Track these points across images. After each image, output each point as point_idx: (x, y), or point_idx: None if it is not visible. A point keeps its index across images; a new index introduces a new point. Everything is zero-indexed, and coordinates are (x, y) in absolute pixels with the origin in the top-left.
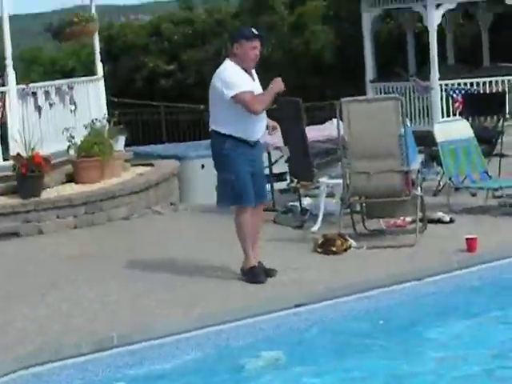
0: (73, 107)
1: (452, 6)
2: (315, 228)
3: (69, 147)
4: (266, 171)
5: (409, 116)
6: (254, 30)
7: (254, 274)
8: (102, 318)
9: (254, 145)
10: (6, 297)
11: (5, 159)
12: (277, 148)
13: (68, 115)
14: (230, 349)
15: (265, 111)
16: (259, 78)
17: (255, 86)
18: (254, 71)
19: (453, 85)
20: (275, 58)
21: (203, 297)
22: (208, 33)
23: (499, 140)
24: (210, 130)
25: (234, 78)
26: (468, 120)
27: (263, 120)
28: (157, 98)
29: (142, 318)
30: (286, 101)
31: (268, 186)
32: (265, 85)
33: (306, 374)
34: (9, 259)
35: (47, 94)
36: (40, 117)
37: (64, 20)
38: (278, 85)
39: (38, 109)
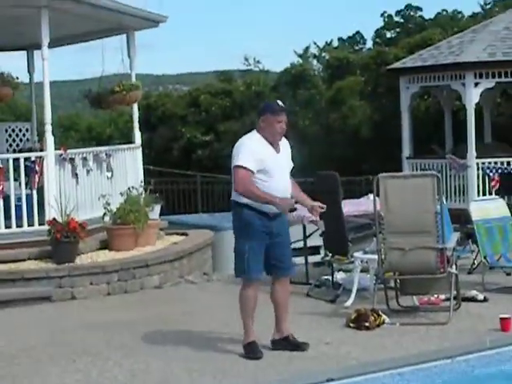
0: (110, 174)
1: (491, 85)
2: (348, 303)
3: (104, 214)
4: (300, 244)
5: (444, 194)
6: (280, 103)
7: (251, 350)
8: None
9: (273, 217)
10: (37, 361)
11: (40, 224)
12: (312, 221)
13: (104, 182)
14: None
15: (288, 183)
16: (295, 149)
17: (275, 159)
18: (283, 142)
19: (489, 163)
20: (312, 132)
21: (233, 369)
22: (246, 104)
23: None
24: (231, 199)
25: (245, 150)
26: (504, 199)
27: (284, 191)
28: (193, 168)
29: None
30: (323, 174)
31: (302, 259)
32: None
33: None
34: (40, 324)
35: (85, 160)
36: (77, 183)
37: (105, 88)
38: (283, 204)
39: (75, 175)
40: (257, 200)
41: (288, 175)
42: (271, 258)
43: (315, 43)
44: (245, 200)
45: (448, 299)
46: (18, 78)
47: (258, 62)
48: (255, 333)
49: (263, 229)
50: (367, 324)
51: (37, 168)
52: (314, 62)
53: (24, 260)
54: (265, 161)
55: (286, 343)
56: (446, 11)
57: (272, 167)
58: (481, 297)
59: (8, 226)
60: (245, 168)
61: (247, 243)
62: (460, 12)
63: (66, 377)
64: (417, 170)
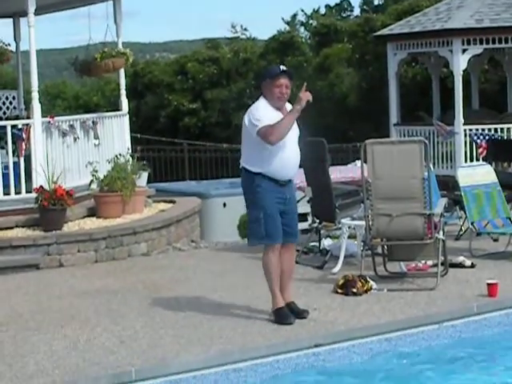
0: (97, 142)
1: (478, 51)
2: (336, 269)
3: (91, 181)
4: None
5: (432, 160)
6: (281, 67)
7: (281, 316)
8: (121, 353)
9: (284, 184)
10: (25, 328)
11: (28, 191)
12: (299, 188)
13: (91, 149)
14: None
15: (297, 149)
16: None
17: None
18: (288, 107)
19: (477, 130)
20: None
21: (222, 334)
22: (233, 72)
23: None
24: (240, 167)
25: (260, 115)
26: (491, 165)
27: (295, 158)
28: (180, 136)
29: (161, 354)
30: (310, 141)
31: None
32: None
33: None
34: (28, 291)
35: (72, 127)
36: (64, 150)
37: (89, 55)
38: (299, 103)
39: (62, 142)
40: (290, 125)
41: (296, 143)
42: (282, 224)
43: (303, 10)
44: (258, 169)
45: (435, 265)
46: (9, 44)
47: (245, 29)
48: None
49: (277, 195)
50: (355, 290)
51: (24, 135)
52: (302, 29)
53: (11, 228)
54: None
55: (289, 311)
56: None
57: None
58: (468, 263)
59: None
60: (263, 126)
61: (261, 209)
62: None
63: (54, 344)
64: (404, 136)
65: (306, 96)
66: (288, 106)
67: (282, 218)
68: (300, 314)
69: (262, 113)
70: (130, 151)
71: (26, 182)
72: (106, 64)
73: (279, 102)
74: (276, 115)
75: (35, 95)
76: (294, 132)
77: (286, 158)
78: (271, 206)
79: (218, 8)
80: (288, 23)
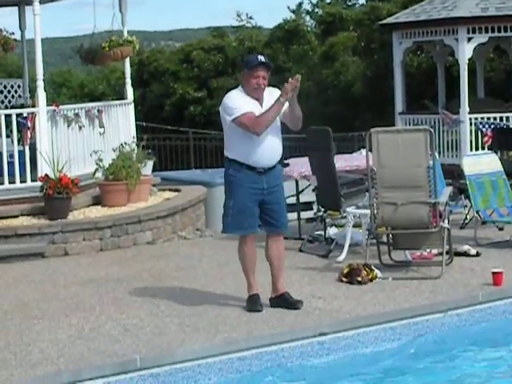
0: (102, 130)
1: (484, 40)
2: (341, 258)
3: (96, 170)
4: (293, 200)
5: (437, 149)
6: (261, 58)
7: (250, 302)
8: (126, 341)
9: (263, 172)
10: (30, 316)
11: (33, 180)
12: (304, 177)
13: (97, 138)
14: (252, 375)
15: (278, 138)
16: None
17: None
18: (271, 95)
19: (482, 119)
20: (305, 88)
21: (227, 323)
22: (238, 61)
23: None
24: None
25: (234, 103)
26: (497, 154)
27: (274, 147)
28: (185, 124)
29: (166, 342)
30: (315, 130)
31: (295, 215)
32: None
33: None
34: (33, 280)
35: (77, 116)
36: (69, 139)
37: (96, 43)
38: (285, 95)
39: (67, 131)
40: (274, 118)
41: (277, 131)
42: (263, 213)
43: None
44: (233, 155)
45: (440, 254)
46: (13, 33)
47: (251, 17)
48: (257, 286)
49: (251, 184)
50: (359, 279)
51: (29, 124)
52: (307, 17)
53: (17, 216)
54: (247, 108)
55: (281, 301)
56: None
57: None
58: (473, 251)
59: (0, 183)
60: (244, 114)
61: (232, 199)
62: None
63: (59, 332)
64: (409, 125)
65: (291, 85)
66: (274, 92)
67: (263, 206)
68: (293, 305)
69: (239, 101)
70: (136, 140)
71: (31, 170)
72: (115, 53)
73: (256, 93)
74: (252, 103)
75: (40, 84)
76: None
77: (264, 146)
78: (243, 197)
79: None
80: (293, 12)
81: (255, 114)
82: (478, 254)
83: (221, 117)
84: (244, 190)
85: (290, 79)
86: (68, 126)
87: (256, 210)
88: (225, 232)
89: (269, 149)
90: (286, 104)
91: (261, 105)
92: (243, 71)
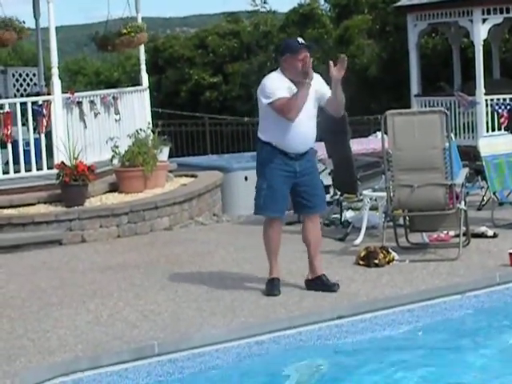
0: (117, 117)
1: (498, 20)
2: (358, 241)
3: (113, 157)
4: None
5: (453, 131)
6: (300, 40)
7: (267, 286)
8: (143, 327)
9: (295, 157)
10: (47, 303)
11: (49, 167)
12: (320, 160)
13: (112, 125)
14: (270, 359)
15: (312, 124)
16: None
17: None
18: (314, 78)
19: (498, 100)
20: (320, 71)
21: (245, 307)
22: (253, 45)
23: None
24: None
25: (271, 86)
26: None
27: (308, 133)
28: (201, 110)
29: (184, 327)
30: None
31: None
32: None
33: None
34: (51, 267)
35: (92, 103)
36: (85, 126)
37: (111, 31)
38: (305, 83)
39: (83, 118)
40: (304, 100)
41: (312, 118)
42: (297, 196)
43: None
44: (266, 138)
45: (457, 235)
46: (24, 22)
47: (265, 2)
48: (278, 270)
49: (284, 167)
50: (377, 261)
51: (44, 112)
52: (322, 1)
53: (34, 204)
54: (284, 93)
55: (318, 283)
56: None
57: None
58: (490, 233)
59: (17, 171)
60: (279, 98)
61: (266, 181)
62: None
63: (77, 319)
64: (425, 107)
65: (340, 66)
66: (318, 77)
67: (297, 190)
68: (330, 287)
69: (277, 85)
70: (151, 126)
71: (47, 158)
72: (134, 38)
73: (304, 76)
74: (288, 86)
75: (55, 71)
76: (309, 107)
77: (297, 132)
78: (275, 180)
79: None
80: None
81: (285, 99)
82: (495, 236)
83: (258, 98)
84: (276, 173)
85: (337, 60)
86: (83, 113)
87: (287, 193)
88: (256, 213)
89: (302, 134)
90: (329, 90)
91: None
92: (284, 57)
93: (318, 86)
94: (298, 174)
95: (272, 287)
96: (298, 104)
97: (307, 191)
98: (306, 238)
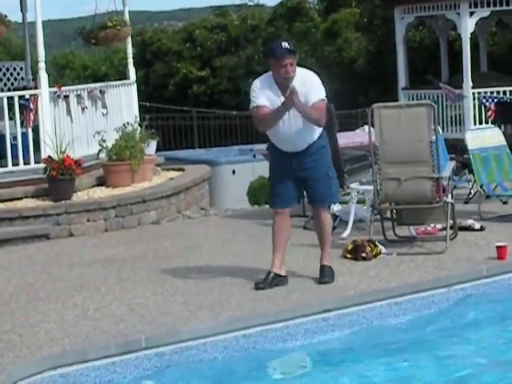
0: (104, 111)
1: (486, 14)
2: (345, 234)
3: (100, 151)
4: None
5: (441, 124)
6: (285, 46)
7: (264, 279)
8: (131, 321)
9: (292, 155)
10: (35, 298)
11: (36, 162)
12: None
13: (100, 119)
14: (257, 353)
15: (304, 127)
16: None
17: (279, 102)
18: (298, 80)
19: (485, 93)
20: (308, 65)
21: (232, 300)
22: (241, 39)
23: None
24: None
25: (254, 91)
26: (500, 128)
27: (298, 136)
28: (189, 104)
29: (171, 321)
30: None
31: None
32: None
33: (332, 379)
34: (38, 261)
35: (79, 97)
36: (72, 120)
37: (96, 24)
38: (290, 100)
39: (70, 112)
40: (277, 118)
41: (299, 120)
42: (304, 189)
43: None
44: (270, 137)
45: (444, 229)
46: (6, 16)
47: None
48: (278, 265)
49: (282, 162)
50: (364, 255)
51: (31, 106)
52: None
53: (21, 198)
54: (269, 102)
55: (319, 272)
56: None
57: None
58: (477, 226)
59: (4, 165)
60: (257, 106)
61: (271, 178)
62: None
63: (65, 313)
64: (413, 100)
65: (290, 99)
66: (306, 76)
67: (303, 183)
68: (320, 279)
69: (261, 90)
70: (138, 120)
71: (34, 152)
72: (120, 31)
73: (284, 81)
74: (273, 93)
75: (42, 65)
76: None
77: (286, 135)
78: (276, 173)
79: None
80: None
81: (268, 109)
82: (482, 229)
83: None
84: (275, 167)
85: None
86: (70, 107)
87: (290, 186)
88: (270, 207)
89: (291, 137)
90: (313, 98)
91: (283, 93)
92: (269, 60)
93: (305, 92)
94: (296, 168)
95: (263, 280)
96: (270, 120)
97: (310, 185)
98: (315, 228)
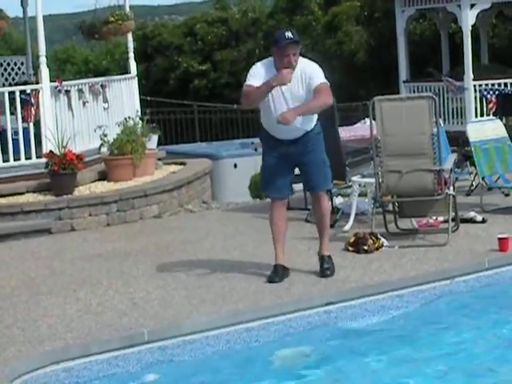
0: (106, 105)
1: (486, 6)
2: (347, 227)
3: (101, 145)
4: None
5: (442, 116)
6: (289, 35)
7: (270, 273)
8: (133, 315)
9: (287, 143)
10: (37, 293)
11: (38, 156)
12: None
13: (101, 113)
14: (259, 346)
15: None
16: None
17: (278, 89)
18: (300, 73)
19: (486, 85)
20: (308, 58)
21: (234, 294)
22: (242, 33)
23: None
24: None
25: (251, 72)
26: (502, 120)
27: (293, 126)
28: (190, 98)
29: (173, 315)
30: None
31: (300, 185)
32: None
33: (334, 371)
34: (40, 256)
35: (80, 91)
36: (73, 115)
37: (98, 19)
38: (279, 79)
39: (71, 106)
40: (259, 96)
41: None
42: (302, 175)
43: None
44: (263, 124)
45: (446, 221)
46: (1, 10)
47: None
48: (282, 256)
49: (277, 149)
50: (366, 247)
51: (32, 101)
52: None
53: (23, 193)
54: (256, 81)
55: (319, 263)
56: None
57: (274, 98)
58: (479, 218)
59: (6, 160)
60: (248, 85)
61: (263, 162)
62: None
63: (67, 307)
64: (414, 93)
65: (279, 79)
66: (308, 67)
67: (300, 169)
68: (321, 271)
69: (257, 71)
70: (140, 114)
71: (35, 147)
72: (122, 26)
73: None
74: (267, 73)
75: (43, 60)
76: (291, 96)
77: (275, 121)
78: (269, 160)
79: None
80: None
81: (253, 87)
82: (484, 221)
83: None
84: (270, 153)
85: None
86: (71, 101)
87: (285, 174)
88: (261, 191)
89: (290, 126)
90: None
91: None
92: (273, 49)
93: (307, 77)
94: (292, 154)
95: (272, 274)
96: (254, 95)
97: (307, 171)
98: (315, 214)
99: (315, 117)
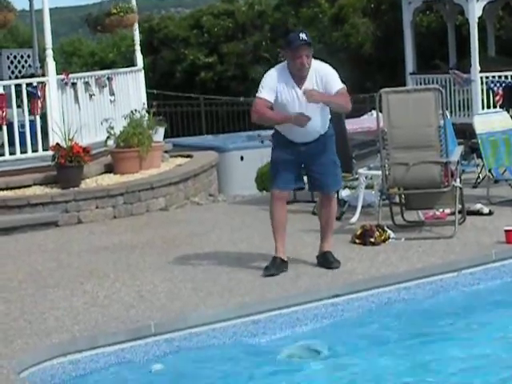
0: (112, 98)
1: None
2: (354, 219)
3: (108, 138)
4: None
5: (449, 109)
6: (302, 37)
7: (269, 264)
8: (140, 307)
9: (300, 144)
10: (44, 285)
11: (44, 149)
12: None
13: (107, 106)
14: (267, 338)
15: (317, 119)
16: None
17: (293, 92)
18: (315, 75)
19: (493, 77)
20: (315, 50)
21: (241, 286)
22: (248, 25)
23: None
24: None
25: (264, 82)
26: (508, 112)
27: (309, 128)
28: (196, 91)
29: (180, 307)
30: None
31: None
32: None
33: (342, 364)
34: (47, 249)
35: (87, 84)
36: (79, 107)
37: (102, 11)
38: (297, 120)
39: (78, 99)
40: (271, 122)
41: (315, 112)
42: (308, 174)
43: None
44: (278, 128)
45: (453, 213)
46: (8, 2)
47: None
48: (282, 249)
49: (291, 149)
50: (372, 240)
51: (39, 93)
52: None
53: (29, 186)
54: (281, 93)
55: (323, 259)
56: None
57: (289, 101)
58: (486, 210)
59: (12, 153)
60: (260, 98)
61: (272, 159)
62: None
63: (74, 300)
64: (421, 85)
65: (297, 120)
66: (323, 70)
67: (307, 170)
68: (329, 264)
69: (271, 82)
70: (146, 106)
71: (42, 139)
72: (124, 18)
73: (298, 73)
74: (287, 83)
75: (49, 53)
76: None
77: (297, 128)
78: (278, 156)
79: None
80: None
81: (268, 103)
82: (490, 213)
83: None
84: (281, 150)
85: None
86: (78, 94)
87: (292, 169)
88: (270, 189)
89: (305, 130)
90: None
91: (297, 84)
92: (285, 50)
93: (325, 83)
94: (302, 153)
95: (270, 266)
96: (265, 117)
97: (316, 170)
98: (320, 214)
99: (328, 120)
